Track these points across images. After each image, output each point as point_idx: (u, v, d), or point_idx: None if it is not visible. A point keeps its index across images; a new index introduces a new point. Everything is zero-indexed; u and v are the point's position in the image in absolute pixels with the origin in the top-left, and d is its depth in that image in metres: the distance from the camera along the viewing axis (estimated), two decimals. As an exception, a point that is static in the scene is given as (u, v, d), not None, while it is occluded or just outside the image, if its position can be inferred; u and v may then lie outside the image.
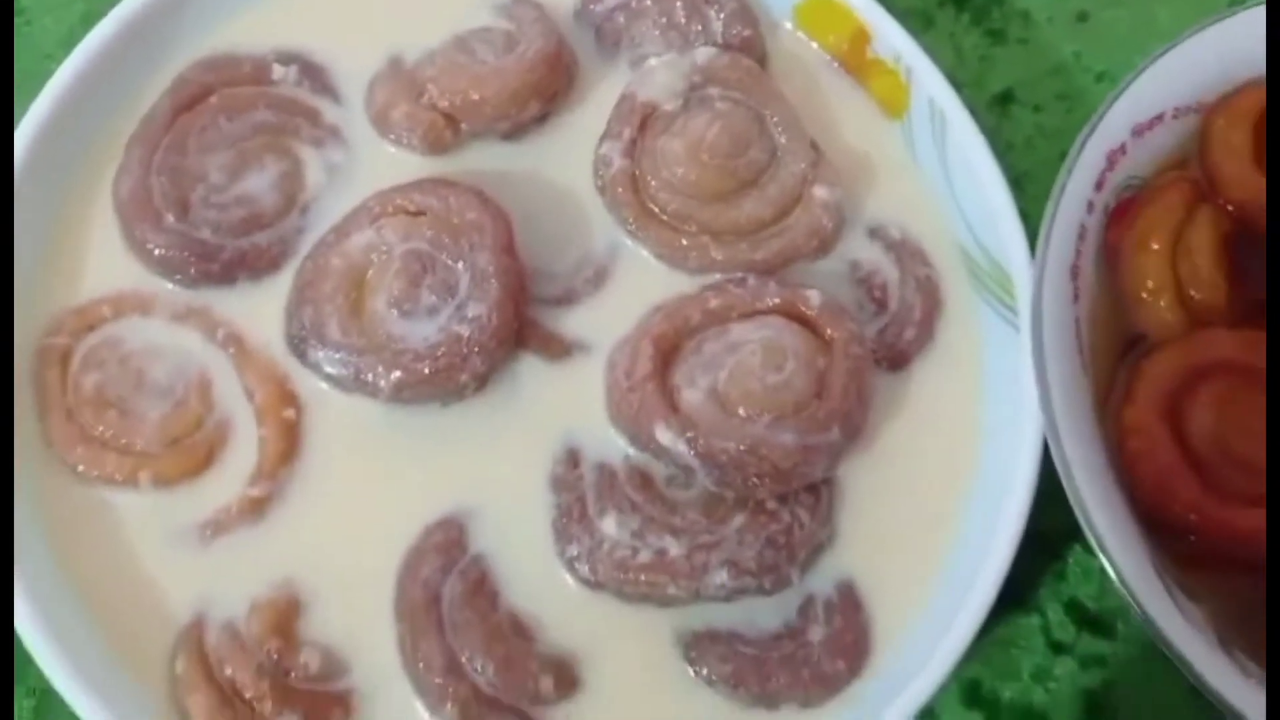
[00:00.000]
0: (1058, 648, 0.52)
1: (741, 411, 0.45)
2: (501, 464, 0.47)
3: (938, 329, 0.50)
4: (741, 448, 0.44)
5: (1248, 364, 0.46)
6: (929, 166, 0.52)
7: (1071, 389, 0.46)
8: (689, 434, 0.44)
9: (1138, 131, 0.50)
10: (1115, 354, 0.49)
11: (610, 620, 0.45)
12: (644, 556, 0.44)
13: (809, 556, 0.46)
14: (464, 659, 0.43)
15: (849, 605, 0.46)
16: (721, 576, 0.44)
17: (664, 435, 0.44)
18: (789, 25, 0.55)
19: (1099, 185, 0.49)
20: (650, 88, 0.50)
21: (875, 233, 0.52)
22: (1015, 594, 0.52)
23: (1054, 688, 0.51)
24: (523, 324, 0.48)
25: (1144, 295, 0.49)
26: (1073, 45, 0.61)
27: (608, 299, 0.50)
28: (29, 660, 0.47)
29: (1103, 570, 0.43)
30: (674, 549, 0.44)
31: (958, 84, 0.59)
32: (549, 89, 0.51)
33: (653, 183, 0.50)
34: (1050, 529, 0.52)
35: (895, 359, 0.50)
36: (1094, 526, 0.43)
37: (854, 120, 0.53)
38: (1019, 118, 0.59)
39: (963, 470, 0.48)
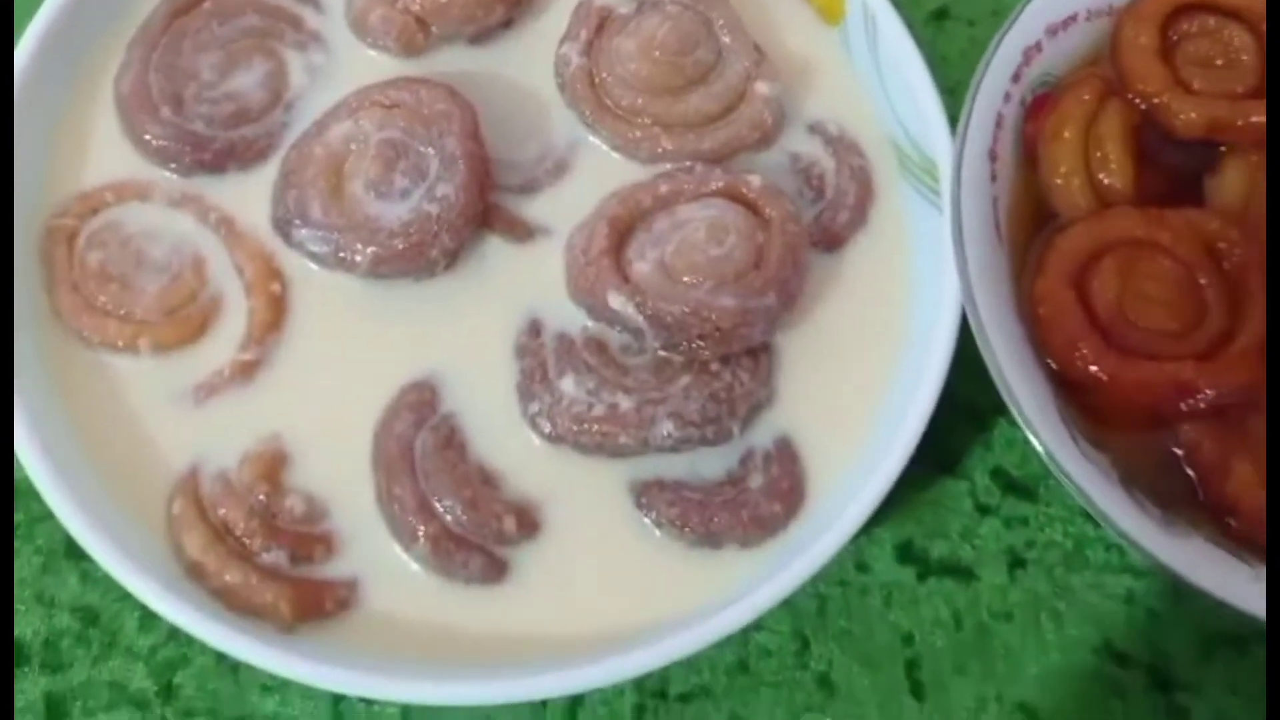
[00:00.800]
0: (984, 510, 0.56)
1: (686, 279, 0.49)
2: (470, 334, 0.52)
3: (870, 213, 0.55)
4: (685, 309, 0.48)
5: (1147, 237, 0.51)
6: (864, 68, 0.57)
7: (988, 261, 0.50)
8: (638, 299, 0.49)
9: (1052, 30, 0.54)
10: (1031, 233, 0.53)
11: (568, 470, 0.50)
12: (598, 410, 0.49)
13: (749, 413, 0.50)
14: (434, 500, 0.48)
15: (786, 457, 0.51)
16: (668, 427, 0.49)
17: (616, 301, 0.49)
18: (735, -61, 0.59)
19: (1015, 78, 0.53)
20: (602, -7, 0.55)
21: (814, 128, 0.56)
22: (946, 462, 0.57)
23: (979, 545, 0.56)
24: (489, 207, 0.53)
25: (1057, 180, 0.53)
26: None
27: (567, 187, 0.54)
28: (37, 520, 0.52)
29: (1025, 440, 0.47)
30: (625, 404, 0.49)
31: (895, 3, 0.64)
32: (515, -7, 0.55)
33: (608, 79, 0.54)
34: (979, 403, 0.57)
35: (831, 240, 0.54)
36: (1005, 380, 0.47)
37: (796, 26, 0.58)
38: (954, 32, 0.64)
39: (891, 339, 0.53)
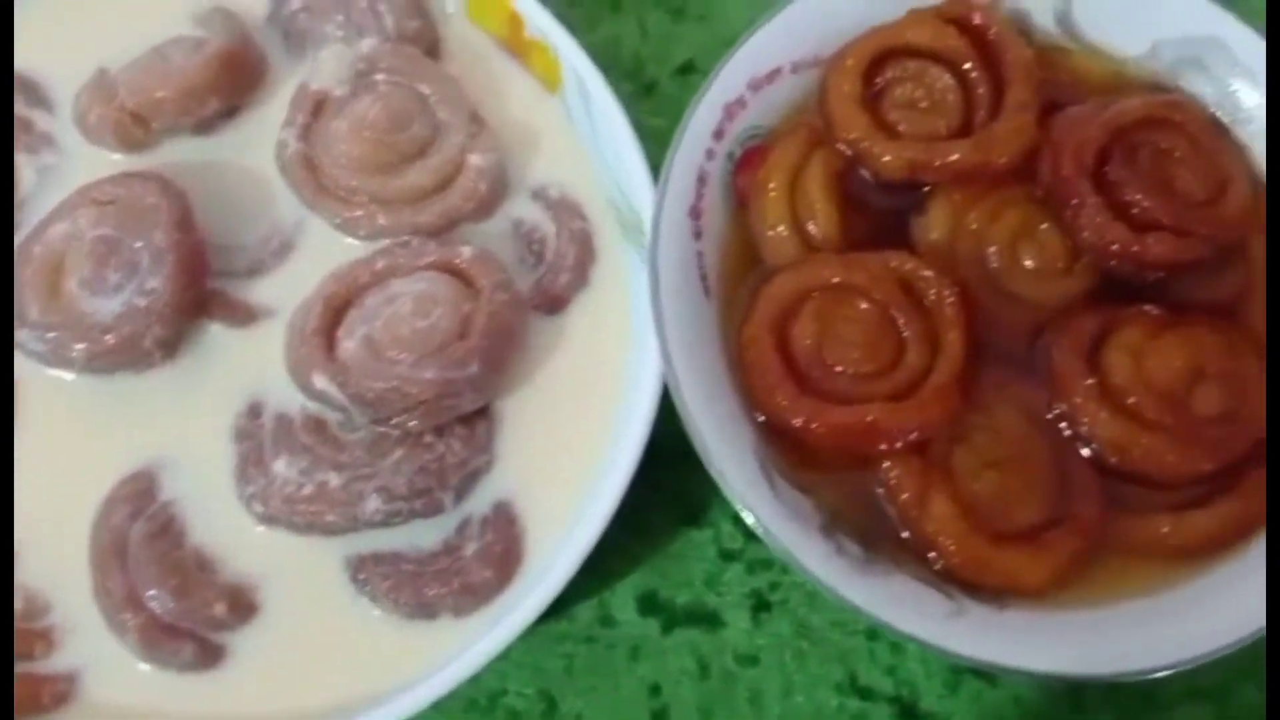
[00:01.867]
0: (727, 556, 0.57)
1: (391, 354, 0.50)
2: (191, 421, 0.53)
3: (591, 273, 0.56)
4: (385, 386, 0.49)
5: (845, 281, 0.52)
6: (583, 133, 0.58)
7: (692, 314, 0.52)
8: (340, 378, 0.50)
9: (755, 85, 0.56)
10: (745, 285, 0.55)
11: (286, 551, 0.51)
12: (308, 490, 0.50)
13: (464, 481, 0.51)
14: (142, 591, 0.49)
15: (502, 521, 0.51)
16: (375, 503, 0.50)
17: (320, 381, 0.50)
18: (461, 14, 0.61)
19: (718, 134, 0.55)
20: (320, 77, 0.56)
21: (537, 194, 0.57)
22: (690, 512, 0.58)
23: (724, 591, 0.57)
24: (207, 295, 0.54)
25: (767, 231, 0.55)
26: (749, 14, 0.67)
27: (293, 267, 0.56)
28: None
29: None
30: (334, 481, 0.50)
31: (643, 59, 0.66)
32: (227, 85, 0.57)
33: (325, 161, 0.55)
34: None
35: (552, 303, 0.55)
36: (695, 427, 0.48)
37: (520, 95, 0.60)
38: (698, 85, 0.65)
39: (610, 396, 0.54)
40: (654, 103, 0.65)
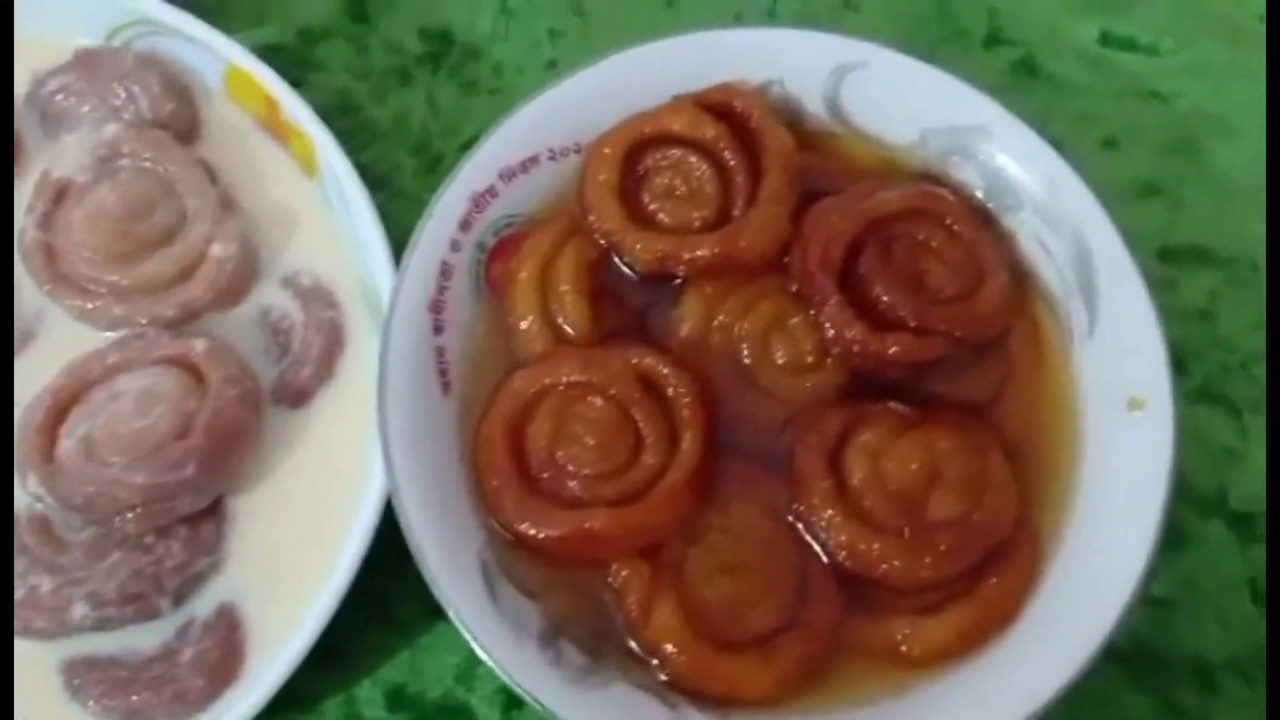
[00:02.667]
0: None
1: (104, 456, 0.49)
2: (-88, 518, 0.52)
3: (338, 365, 0.55)
4: (94, 489, 0.48)
5: (583, 379, 0.51)
6: (340, 218, 0.57)
7: (420, 411, 0.50)
8: (49, 481, 0.49)
9: (508, 174, 0.55)
10: (494, 380, 0.54)
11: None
12: (19, 594, 0.49)
13: (184, 585, 0.50)
14: None
15: (224, 625, 0.50)
16: (84, 609, 0.49)
17: (33, 483, 0.49)
18: (222, 94, 0.60)
19: (464, 226, 0.54)
20: (63, 164, 0.55)
21: (287, 280, 0.57)
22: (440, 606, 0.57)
23: (476, 685, 0.56)
24: (-66, 388, 0.53)
25: (517, 323, 0.54)
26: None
27: (33, 358, 0.54)
28: None
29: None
30: (45, 585, 0.49)
31: (431, 134, 0.65)
32: (-27, 172, 0.56)
33: (66, 249, 0.54)
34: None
35: (296, 395, 0.55)
36: (412, 535, 0.47)
37: (279, 176, 0.59)
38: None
39: (352, 492, 0.52)
40: (438, 178, 0.62)
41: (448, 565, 0.48)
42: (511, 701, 0.55)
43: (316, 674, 0.54)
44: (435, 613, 0.57)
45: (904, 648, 0.49)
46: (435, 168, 0.64)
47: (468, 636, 0.46)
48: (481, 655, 0.46)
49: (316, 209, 0.58)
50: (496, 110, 0.65)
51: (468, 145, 0.65)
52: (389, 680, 0.55)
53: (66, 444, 0.50)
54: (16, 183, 0.57)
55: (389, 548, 0.51)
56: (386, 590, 0.56)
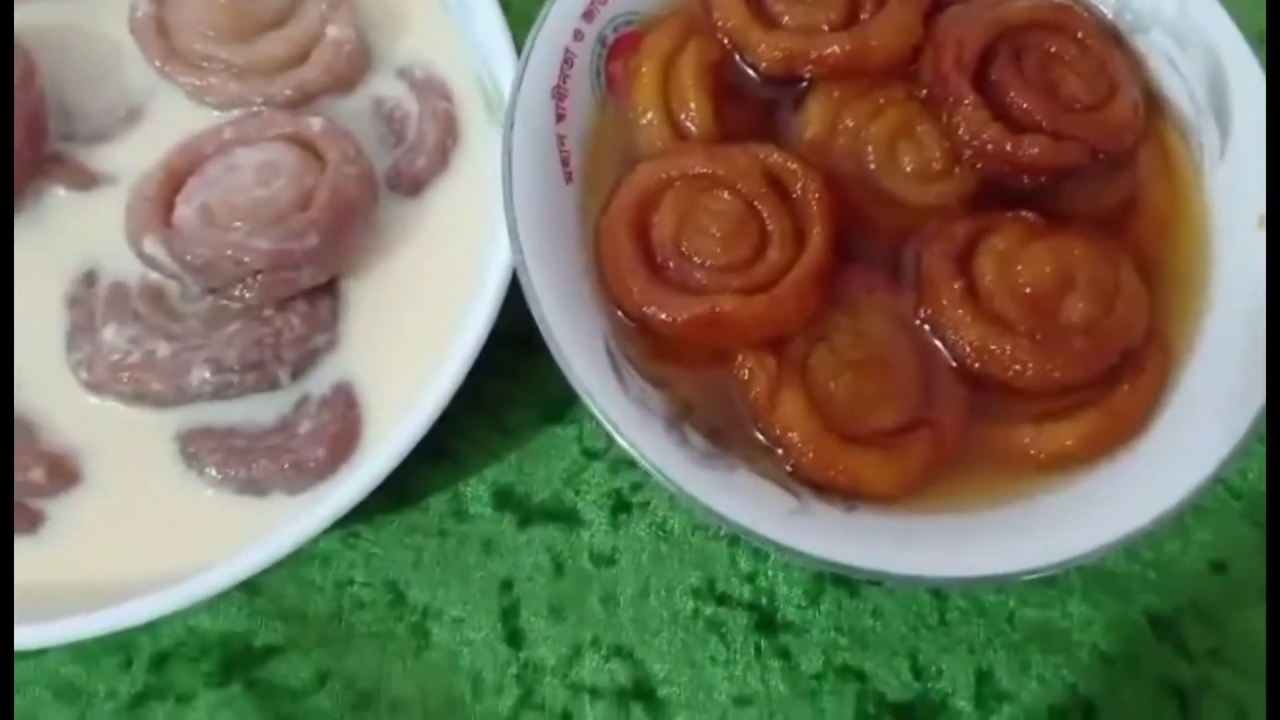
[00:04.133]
0: (590, 454, 0.56)
1: (225, 222, 0.48)
2: (24, 285, 0.51)
3: (454, 157, 0.54)
4: (215, 253, 0.47)
5: (708, 172, 0.50)
6: (455, 10, 0.56)
7: (545, 198, 0.50)
8: (169, 244, 0.48)
9: (631, -33, 0.54)
10: (613, 173, 0.53)
11: (113, 420, 0.49)
12: (134, 358, 0.48)
13: (302, 359, 0.50)
14: (-47, 455, 0.47)
15: (341, 402, 0.50)
16: (203, 374, 0.48)
17: (149, 245, 0.48)
18: (330, -117, 0.58)
19: (588, 15, 0.52)
20: (176, -62, 0.54)
21: (402, 72, 0.55)
22: (554, 408, 0.57)
23: (583, 490, 0.55)
24: (48, 157, 0.52)
25: (637, 119, 0.53)
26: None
27: (141, 135, 0.54)
28: None
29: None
30: (163, 350, 0.48)
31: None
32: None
33: (179, 26, 0.53)
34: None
35: (410, 184, 0.53)
36: (542, 316, 0.46)
37: (388, -32, 0.57)
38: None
39: (464, 286, 0.52)
40: None
41: (578, 349, 0.47)
42: (619, 505, 0.55)
43: (425, 468, 0.53)
44: (545, 417, 0.57)
45: (1031, 450, 0.49)
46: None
47: (598, 414, 0.45)
48: (612, 433, 0.45)
49: (430, 2, 0.56)
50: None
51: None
52: (496, 480, 0.55)
53: (184, 210, 0.49)
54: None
55: (501, 350, 0.50)
56: (497, 392, 0.56)
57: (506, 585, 0.54)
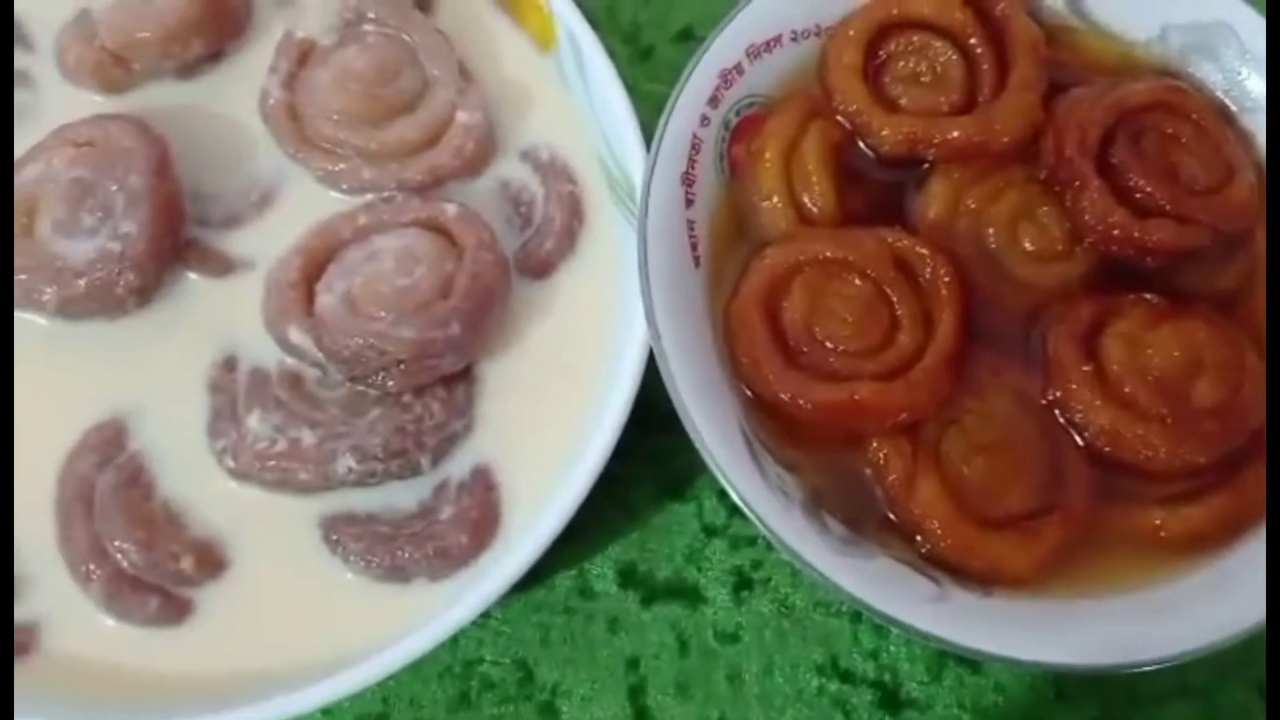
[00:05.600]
0: (710, 531, 0.56)
1: (369, 311, 0.49)
2: (164, 371, 0.51)
3: (579, 239, 0.55)
4: (362, 342, 0.48)
5: (837, 257, 0.51)
6: (576, 93, 0.56)
7: (677, 282, 0.50)
8: (316, 333, 0.48)
9: (754, 53, 0.54)
10: (736, 256, 0.53)
11: (257, 507, 0.49)
12: (280, 446, 0.49)
13: (441, 444, 0.50)
14: (107, 542, 0.47)
15: (480, 486, 0.50)
16: (349, 462, 0.48)
17: (295, 334, 0.49)
18: (456, -33, 0.59)
19: (714, 101, 0.53)
20: (306, 24, 0.55)
21: (526, 154, 0.56)
22: (673, 485, 0.57)
23: (705, 567, 0.56)
24: (184, 243, 0.52)
25: (761, 202, 0.53)
26: (750, -16, 0.66)
27: (273, 220, 0.54)
28: None
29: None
30: (308, 438, 0.49)
31: (641, 24, 0.64)
32: (210, 28, 0.55)
33: (310, 111, 0.54)
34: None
35: (539, 267, 0.54)
36: (681, 402, 0.47)
37: (512, 53, 0.58)
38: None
39: (595, 365, 0.52)
40: (650, 68, 0.63)
41: (716, 433, 0.47)
42: (741, 581, 0.55)
43: (551, 546, 0.54)
44: (667, 493, 0.57)
45: (1162, 533, 0.49)
46: (648, 57, 0.64)
47: (741, 503, 0.46)
48: (756, 523, 0.46)
49: (552, 84, 0.57)
50: (706, 1, 0.66)
51: (679, 37, 0.65)
52: (619, 557, 0.55)
53: (326, 299, 0.49)
54: (247, 46, 0.57)
55: (625, 428, 0.51)
56: (618, 469, 0.56)
57: (633, 663, 0.54)
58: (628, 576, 0.55)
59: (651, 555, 0.56)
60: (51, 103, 0.55)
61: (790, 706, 0.54)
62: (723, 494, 0.57)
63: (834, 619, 0.55)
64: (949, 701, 0.54)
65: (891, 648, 0.55)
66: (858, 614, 0.55)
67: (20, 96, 0.55)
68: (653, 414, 0.50)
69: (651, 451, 0.56)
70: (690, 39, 0.65)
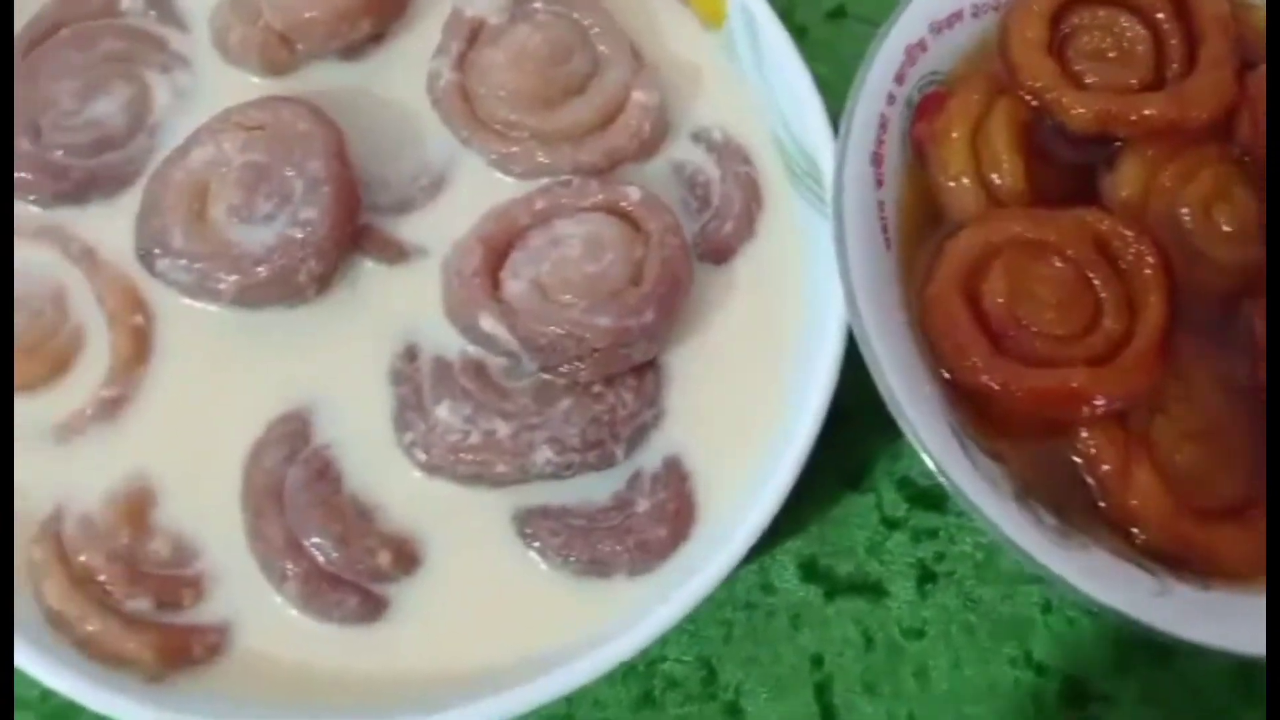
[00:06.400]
0: (891, 524, 0.55)
1: (562, 298, 0.47)
2: (345, 361, 0.50)
3: (758, 222, 0.53)
4: (560, 331, 0.46)
5: (1036, 238, 0.49)
6: (749, 72, 0.55)
7: (874, 267, 0.49)
8: (510, 320, 0.47)
9: (936, 28, 0.53)
10: (923, 237, 0.51)
11: (449, 501, 0.48)
12: (474, 438, 0.47)
13: (634, 435, 0.49)
14: (303, 538, 0.46)
15: (674, 477, 0.49)
16: (546, 454, 0.47)
17: (487, 323, 0.47)
18: (617, -54, 0.57)
19: (899, 79, 0.52)
20: (476, 3, 0.53)
21: (699, 136, 0.54)
22: (851, 476, 0.56)
23: (888, 560, 0.54)
24: (360, 229, 0.51)
25: (948, 182, 0.52)
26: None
27: (445, 205, 0.52)
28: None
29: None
30: (502, 430, 0.47)
31: (793, 1, 0.63)
32: (379, 7, 0.53)
33: (481, 92, 0.52)
34: (882, 415, 0.54)
35: (718, 252, 0.52)
36: (891, 391, 0.45)
37: (678, 31, 0.56)
38: (852, 30, 0.62)
39: (782, 351, 0.51)
40: (805, 48, 0.61)
41: (924, 422, 0.46)
42: (925, 575, 0.54)
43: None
44: (846, 485, 0.56)
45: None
46: (802, 37, 0.61)
47: (957, 496, 0.44)
48: (972, 513, 0.44)
49: (721, 62, 0.55)
50: (857, -19, 0.64)
51: (832, 15, 0.64)
52: (800, 551, 0.54)
53: (514, 286, 0.48)
54: (409, 26, 0.55)
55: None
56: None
57: (817, 661, 0.53)
58: (809, 571, 0.54)
59: (832, 549, 0.54)
60: (211, 85, 0.54)
61: (983, 700, 0.52)
62: (901, 485, 0.55)
63: (1021, 611, 0.53)
64: (1134, 695, 0.53)
65: (1080, 640, 0.53)
66: (1047, 605, 0.54)
67: (180, 79, 0.54)
68: (834, 403, 0.48)
69: (829, 440, 0.54)
70: (843, 17, 0.63)
